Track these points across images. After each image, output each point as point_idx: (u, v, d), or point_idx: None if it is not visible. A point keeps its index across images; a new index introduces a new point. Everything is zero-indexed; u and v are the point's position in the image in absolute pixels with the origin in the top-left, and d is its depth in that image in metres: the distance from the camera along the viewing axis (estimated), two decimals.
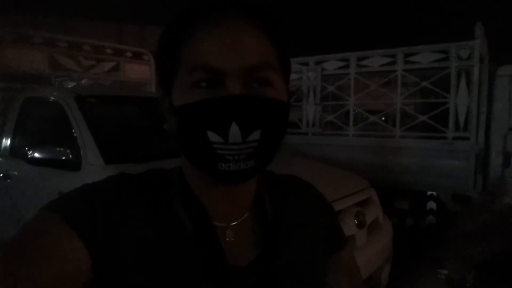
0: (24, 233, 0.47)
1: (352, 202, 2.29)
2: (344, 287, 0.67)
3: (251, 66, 0.49)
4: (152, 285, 0.49)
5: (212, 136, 0.47)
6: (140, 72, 4.77)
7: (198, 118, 0.48)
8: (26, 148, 2.36)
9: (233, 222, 0.58)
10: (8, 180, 2.83)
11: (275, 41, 0.52)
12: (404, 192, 4.15)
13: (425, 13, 8.45)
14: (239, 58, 0.48)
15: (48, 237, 0.46)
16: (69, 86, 3.97)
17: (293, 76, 4.76)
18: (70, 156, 2.31)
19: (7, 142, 3.05)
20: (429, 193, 4.06)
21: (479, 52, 3.74)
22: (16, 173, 2.83)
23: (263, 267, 0.56)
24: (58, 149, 2.33)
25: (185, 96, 0.49)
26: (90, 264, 0.46)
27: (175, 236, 0.53)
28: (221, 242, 0.55)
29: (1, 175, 2.90)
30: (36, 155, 2.28)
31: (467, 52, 3.81)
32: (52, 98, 2.72)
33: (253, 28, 0.50)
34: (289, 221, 0.63)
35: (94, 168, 2.26)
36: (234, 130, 0.47)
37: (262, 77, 0.50)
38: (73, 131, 2.44)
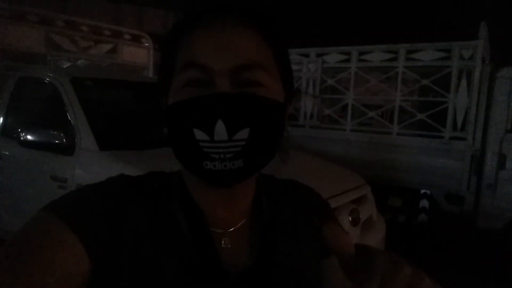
0: (23, 234, 0.47)
1: (347, 200, 2.28)
2: None
3: (240, 65, 0.48)
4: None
5: (198, 134, 0.47)
6: (138, 56, 4.69)
7: (184, 116, 0.48)
8: (19, 130, 2.31)
9: (230, 228, 0.58)
10: (0, 161, 2.79)
11: (270, 42, 0.52)
12: (398, 189, 4.17)
13: (429, 10, 8.40)
14: (229, 57, 0.48)
15: (47, 239, 0.45)
16: (65, 66, 3.88)
17: (293, 67, 4.78)
18: (64, 140, 2.27)
19: None
20: (422, 191, 4.08)
21: (482, 52, 3.73)
22: (7, 153, 2.78)
23: (259, 274, 0.56)
24: (51, 132, 2.28)
25: (176, 95, 0.50)
26: (89, 266, 0.46)
27: (172, 241, 0.53)
28: (217, 248, 0.54)
29: None
30: (29, 137, 2.24)
31: (470, 52, 3.80)
32: (47, 79, 2.66)
33: (246, 29, 0.50)
34: (288, 227, 0.62)
35: (88, 154, 2.22)
36: (220, 127, 0.47)
37: (252, 77, 0.49)
38: (67, 114, 2.40)
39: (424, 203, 4.07)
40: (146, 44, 4.84)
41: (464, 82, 3.83)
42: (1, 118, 2.98)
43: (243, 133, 0.47)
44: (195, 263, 0.52)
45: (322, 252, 0.66)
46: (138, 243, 0.50)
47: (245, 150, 0.48)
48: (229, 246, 0.57)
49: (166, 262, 0.51)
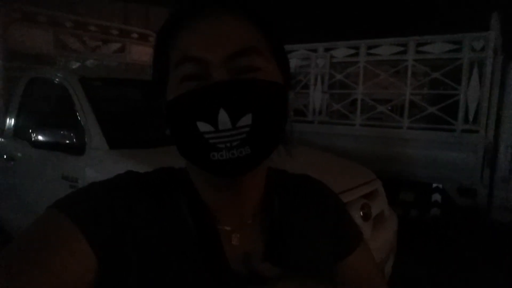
0: (31, 231, 0.48)
1: (358, 195, 2.26)
2: None
3: (234, 52, 0.49)
4: (153, 287, 0.49)
5: (202, 126, 0.47)
6: (146, 54, 4.71)
7: (186, 110, 0.48)
8: (30, 131, 2.33)
9: (239, 226, 0.57)
10: (12, 162, 2.82)
11: (262, 28, 0.52)
12: (410, 183, 4.13)
13: (439, 2, 8.27)
14: (222, 46, 0.48)
15: (54, 237, 0.46)
16: (74, 67, 3.92)
17: (301, 62, 4.75)
18: (74, 140, 2.28)
19: (11, 123, 3.03)
20: (434, 185, 4.04)
21: (493, 44, 3.66)
22: (20, 155, 2.82)
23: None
24: (62, 132, 2.30)
25: (174, 92, 0.50)
26: (96, 264, 0.46)
27: (179, 238, 0.53)
28: (225, 246, 0.54)
29: (5, 156, 2.89)
30: (40, 138, 2.26)
31: (481, 43, 3.73)
32: (57, 79, 2.69)
33: (235, 18, 0.51)
34: (298, 225, 0.62)
35: (98, 153, 2.24)
36: (223, 116, 0.46)
37: (248, 63, 0.50)
38: (77, 114, 2.41)
39: (437, 197, 4.03)
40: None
41: (475, 74, 3.77)
42: (13, 120, 3.02)
43: (247, 119, 0.47)
44: (202, 261, 0.52)
45: (337, 252, 0.65)
46: (144, 240, 0.50)
47: (250, 136, 0.47)
48: (237, 243, 0.56)
49: (173, 260, 0.51)
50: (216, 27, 0.50)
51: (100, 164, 2.21)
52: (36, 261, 0.43)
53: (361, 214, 2.21)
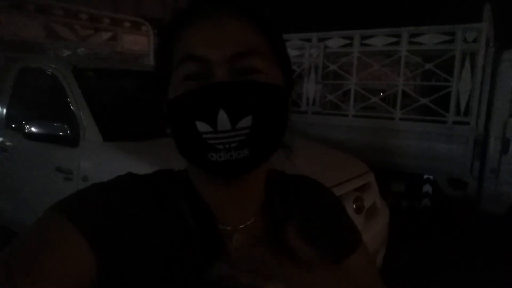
0: (30, 232, 0.48)
1: (351, 187, 2.29)
2: None
3: (236, 53, 0.48)
4: (154, 287, 0.49)
5: (201, 126, 0.47)
6: (138, 43, 4.66)
7: (185, 109, 0.48)
8: (23, 122, 2.31)
9: (240, 225, 0.57)
10: (5, 153, 2.79)
11: (265, 30, 0.52)
12: (401, 174, 4.18)
13: None
14: (225, 46, 0.48)
15: (54, 238, 0.46)
16: (64, 55, 3.86)
17: (294, 52, 4.73)
18: (68, 131, 2.27)
19: (2, 113, 2.99)
20: (425, 176, 4.09)
21: (486, 35, 3.68)
22: (12, 146, 2.79)
23: None
24: (55, 124, 2.28)
25: (176, 90, 0.50)
26: (96, 264, 0.46)
27: (180, 239, 0.53)
28: (227, 246, 0.54)
29: None
30: (33, 129, 2.24)
31: (474, 34, 3.75)
32: (49, 70, 2.65)
33: (239, 18, 0.51)
34: (300, 225, 0.60)
35: (92, 145, 2.22)
36: (222, 117, 0.46)
37: (250, 65, 0.49)
38: (70, 105, 2.39)
39: (427, 188, 4.09)
40: (146, 31, 4.80)
41: (467, 66, 3.79)
42: (4, 110, 2.98)
43: (246, 121, 0.47)
44: (204, 261, 0.52)
45: (338, 253, 0.66)
46: (144, 241, 0.50)
47: (249, 138, 0.47)
48: (239, 243, 0.56)
49: (174, 260, 0.51)
50: (220, 27, 0.50)
51: (95, 156, 2.20)
52: (36, 261, 0.43)
53: (354, 207, 2.24)
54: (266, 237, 0.59)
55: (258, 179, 0.59)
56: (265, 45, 0.52)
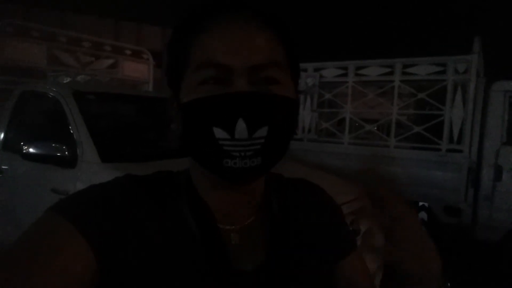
0: (29, 234, 0.47)
1: (348, 210, 2.29)
2: None
3: (258, 64, 0.49)
4: (154, 287, 0.49)
5: (218, 132, 0.48)
6: (139, 71, 4.74)
7: (204, 114, 0.48)
8: (21, 143, 2.32)
9: (239, 225, 0.58)
10: (0, 175, 2.79)
11: (283, 40, 0.53)
12: None
13: (424, 26, 8.54)
14: (247, 56, 0.48)
15: (53, 239, 0.46)
16: (65, 82, 3.92)
17: None
18: (66, 152, 2.28)
19: (0, 135, 3.01)
20: (420, 203, 4.09)
21: (476, 66, 3.79)
22: (8, 167, 2.79)
23: (270, 271, 0.55)
24: (53, 145, 2.29)
25: (192, 93, 0.50)
26: (96, 265, 0.46)
27: (180, 238, 0.53)
28: (227, 245, 0.54)
29: None
30: (31, 150, 2.25)
31: (464, 66, 3.86)
32: (50, 93, 2.69)
33: (261, 27, 0.51)
34: (297, 224, 0.62)
35: (90, 166, 2.23)
36: (241, 126, 0.47)
37: (269, 75, 0.50)
38: (69, 127, 2.42)
39: (423, 215, 4.07)
40: (147, 59, 4.90)
41: (459, 96, 3.88)
42: (3, 133, 3.00)
43: (262, 131, 0.48)
44: (204, 260, 0.52)
45: (335, 253, 0.66)
46: (144, 240, 0.50)
47: (264, 148, 0.49)
48: (238, 242, 0.56)
49: (174, 259, 0.51)
50: (244, 35, 0.49)
51: (92, 178, 2.20)
52: (35, 262, 0.43)
53: (351, 230, 2.24)
54: (264, 235, 0.59)
55: (259, 181, 0.60)
56: (283, 55, 0.53)
